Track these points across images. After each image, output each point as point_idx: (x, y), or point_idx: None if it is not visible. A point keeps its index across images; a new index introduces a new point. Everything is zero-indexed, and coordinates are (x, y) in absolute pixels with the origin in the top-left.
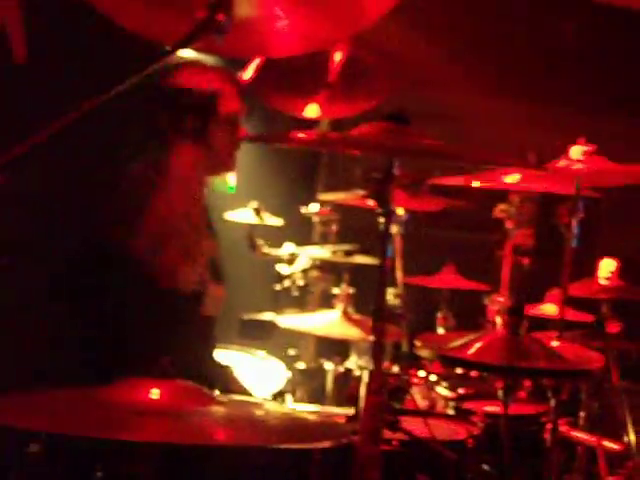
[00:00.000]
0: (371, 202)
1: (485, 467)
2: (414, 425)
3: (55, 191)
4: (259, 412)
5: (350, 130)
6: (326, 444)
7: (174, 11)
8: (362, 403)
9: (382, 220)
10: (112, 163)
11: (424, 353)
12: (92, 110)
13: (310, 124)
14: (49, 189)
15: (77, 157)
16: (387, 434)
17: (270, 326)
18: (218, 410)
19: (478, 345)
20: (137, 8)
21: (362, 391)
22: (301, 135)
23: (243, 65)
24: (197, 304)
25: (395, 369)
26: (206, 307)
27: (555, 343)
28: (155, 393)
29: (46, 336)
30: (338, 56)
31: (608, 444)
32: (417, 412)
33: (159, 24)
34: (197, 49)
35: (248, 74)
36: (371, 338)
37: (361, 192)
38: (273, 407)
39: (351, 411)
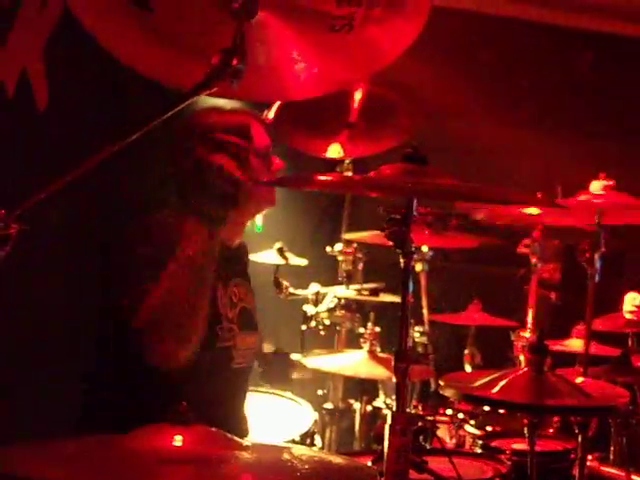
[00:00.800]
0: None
1: None
2: (441, 465)
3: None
4: (285, 456)
5: (370, 171)
6: None
7: (191, 57)
8: (386, 444)
9: (402, 260)
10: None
11: (448, 393)
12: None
13: (333, 164)
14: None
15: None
16: (413, 475)
17: (292, 362)
18: (243, 455)
19: (502, 384)
20: (155, 55)
21: (386, 432)
22: (322, 178)
23: (264, 106)
24: (226, 358)
25: (421, 408)
26: (236, 359)
27: (580, 379)
28: (178, 440)
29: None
30: (358, 95)
31: (637, 479)
32: (442, 451)
33: (176, 70)
34: (213, 94)
35: (271, 114)
36: (394, 379)
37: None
38: (300, 451)
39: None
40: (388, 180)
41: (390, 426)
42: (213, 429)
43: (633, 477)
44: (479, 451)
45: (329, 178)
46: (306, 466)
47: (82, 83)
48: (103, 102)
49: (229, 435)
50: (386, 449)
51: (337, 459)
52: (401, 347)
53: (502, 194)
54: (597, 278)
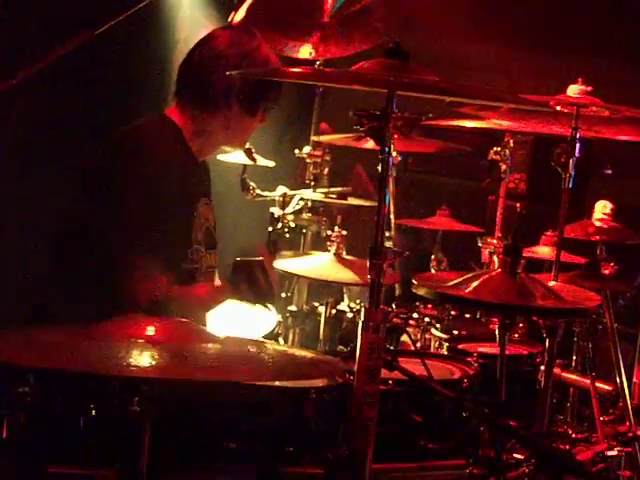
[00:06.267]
0: (368, 139)
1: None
2: (409, 366)
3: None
4: (255, 349)
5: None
6: (322, 382)
7: None
8: (358, 342)
9: (380, 157)
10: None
11: (421, 291)
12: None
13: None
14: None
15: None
16: (383, 373)
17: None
18: (214, 347)
19: (475, 284)
20: None
21: (359, 330)
22: (298, 70)
23: (235, 7)
24: (189, 279)
25: (390, 309)
26: (198, 279)
27: (552, 283)
28: (150, 330)
29: (47, 272)
30: None
31: (600, 385)
32: (415, 352)
33: None
34: None
35: (240, 15)
36: (368, 277)
37: (354, 134)
38: (269, 345)
39: (347, 350)
40: (370, 73)
41: (363, 322)
42: (185, 321)
43: (598, 384)
44: (446, 353)
45: (310, 70)
46: (274, 358)
47: None
48: None
49: (201, 327)
50: (358, 346)
51: (304, 353)
52: (376, 243)
53: (484, 91)
54: (571, 184)
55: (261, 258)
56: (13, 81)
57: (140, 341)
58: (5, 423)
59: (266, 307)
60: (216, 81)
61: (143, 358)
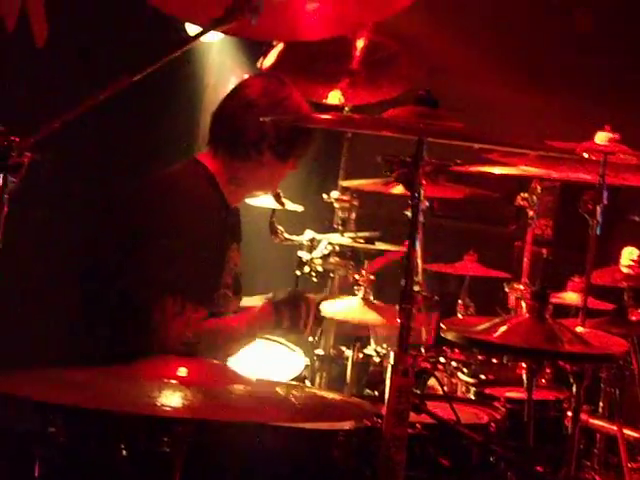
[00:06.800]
0: (396, 184)
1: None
2: (437, 409)
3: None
4: (284, 391)
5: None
6: (350, 424)
7: None
8: (387, 387)
9: (412, 203)
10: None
11: (449, 336)
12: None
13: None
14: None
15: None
16: (411, 417)
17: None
18: (244, 389)
19: (503, 329)
20: None
21: (387, 374)
22: (329, 116)
23: (264, 52)
24: None
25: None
26: None
27: (579, 329)
28: (182, 371)
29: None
30: (361, 43)
31: (628, 432)
32: (443, 396)
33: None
34: (229, 32)
35: (270, 60)
36: (398, 321)
37: (382, 179)
38: (298, 387)
39: (374, 394)
40: (401, 120)
41: (392, 366)
42: (217, 362)
43: (625, 430)
44: (473, 398)
45: (338, 116)
46: (303, 400)
47: (83, 20)
48: (105, 40)
49: (231, 369)
50: (387, 389)
51: (332, 395)
52: (406, 288)
53: (512, 138)
54: (598, 231)
55: (313, 295)
56: (56, 124)
57: (171, 382)
58: (37, 463)
59: (291, 348)
60: (248, 130)
61: (174, 398)
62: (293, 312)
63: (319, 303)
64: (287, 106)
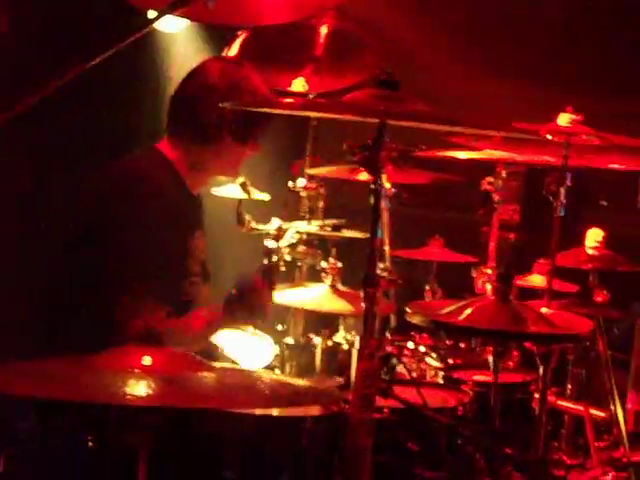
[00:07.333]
0: (362, 171)
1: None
2: (405, 395)
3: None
4: (250, 379)
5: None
6: (318, 411)
7: None
8: (353, 372)
9: (373, 187)
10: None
11: (415, 319)
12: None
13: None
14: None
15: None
16: (378, 401)
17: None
18: (210, 376)
19: (468, 311)
20: None
21: (354, 359)
22: (290, 100)
23: (228, 41)
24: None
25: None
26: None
27: (544, 310)
28: (147, 360)
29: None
30: (324, 29)
31: (595, 412)
32: (410, 381)
33: None
34: (184, 16)
35: (233, 51)
36: (362, 305)
37: (348, 166)
38: (265, 374)
39: (341, 380)
40: (361, 103)
41: (359, 350)
42: (181, 351)
43: (592, 411)
44: (441, 382)
45: (301, 100)
46: (270, 388)
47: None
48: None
49: (197, 357)
50: (353, 374)
51: (300, 382)
52: (370, 272)
53: (476, 120)
54: (562, 213)
55: (256, 281)
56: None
57: (136, 371)
58: (2, 455)
59: (258, 331)
60: (205, 112)
61: (139, 387)
62: (244, 303)
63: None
64: (245, 87)
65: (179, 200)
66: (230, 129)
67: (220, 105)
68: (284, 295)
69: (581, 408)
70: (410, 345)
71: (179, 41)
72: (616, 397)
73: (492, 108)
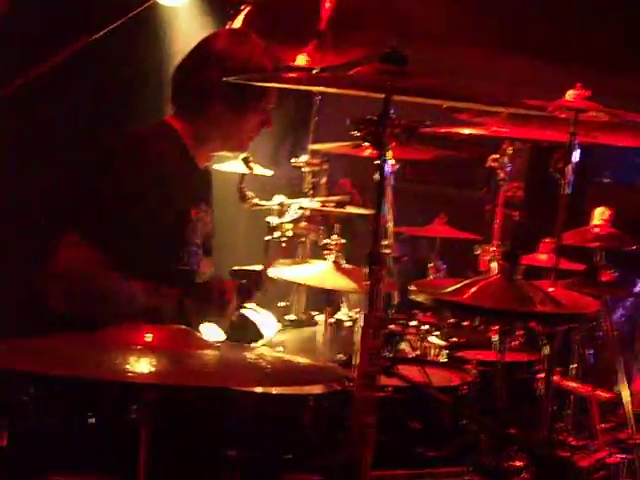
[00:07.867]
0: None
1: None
2: (408, 373)
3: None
4: (252, 356)
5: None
6: (320, 389)
7: None
8: (356, 350)
9: (377, 163)
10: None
11: (419, 298)
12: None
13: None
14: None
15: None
16: (382, 381)
17: (260, 276)
18: (211, 354)
19: (473, 290)
20: None
21: (357, 337)
22: (294, 75)
23: (231, 15)
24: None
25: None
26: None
27: (551, 289)
28: (149, 336)
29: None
30: (328, 4)
31: (600, 393)
32: (414, 359)
33: None
34: None
35: (237, 25)
36: (366, 283)
37: (351, 142)
38: (267, 352)
39: (344, 358)
40: (366, 78)
41: (362, 328)
42: (183, 327)
43: (597, 392)
44: (445, 361)
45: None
46: (272, 365)
47: None
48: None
49: (198, 334)
50: (357, 351)
51: (302, 360)
52: (374, 249)
53: (482, 95)
54: (569, 190)
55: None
56: (10, 88)
57: (138, 347)
58: (5, 431)
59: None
60: (197, 82)
61: (141, 364)
62: (199, 304)
63: (263, 272)
64: (252, 59)
65: (184, 170)
66: (220, 97)
67: (224, 79)
68: (286, 271)
69: (587, 389)
70: (413, 323)
71: (182, 16)
72: (623, 378)
73: (502, 82)
